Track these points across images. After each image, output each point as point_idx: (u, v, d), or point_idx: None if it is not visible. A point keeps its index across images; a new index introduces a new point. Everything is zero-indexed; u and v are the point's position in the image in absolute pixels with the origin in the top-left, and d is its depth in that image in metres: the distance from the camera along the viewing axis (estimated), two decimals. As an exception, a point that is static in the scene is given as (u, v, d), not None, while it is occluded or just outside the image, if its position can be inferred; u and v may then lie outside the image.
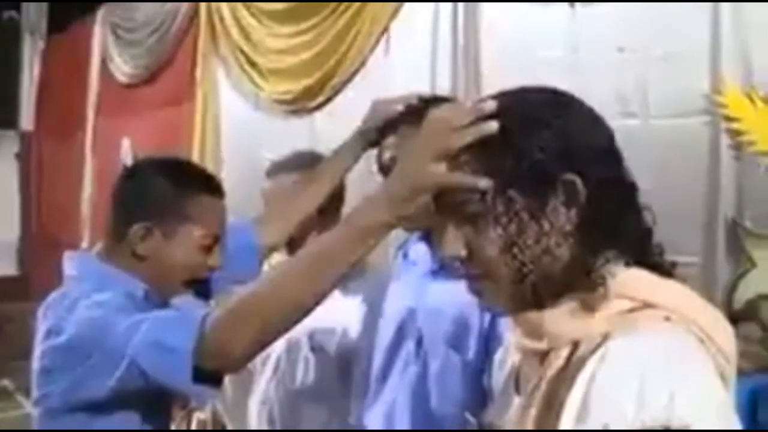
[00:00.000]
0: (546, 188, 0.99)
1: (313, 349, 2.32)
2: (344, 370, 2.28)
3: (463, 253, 1.03)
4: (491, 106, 1.02)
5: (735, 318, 2.75)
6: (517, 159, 0.99)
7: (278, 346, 2.34)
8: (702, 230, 2.88)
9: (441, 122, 1.04)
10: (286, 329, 1.39)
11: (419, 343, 1.91)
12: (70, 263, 1.72)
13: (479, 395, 1.70)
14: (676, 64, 2.93)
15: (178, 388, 1.46)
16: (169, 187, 1.71)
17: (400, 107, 1.85)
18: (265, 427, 2.37)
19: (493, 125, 1.00)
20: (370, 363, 2.06)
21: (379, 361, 2.02)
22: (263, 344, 1.41)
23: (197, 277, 1.74)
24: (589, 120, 1.04)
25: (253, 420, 2.43)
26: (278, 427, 2.35)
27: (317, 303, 1.31)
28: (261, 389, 2.41)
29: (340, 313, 2.24)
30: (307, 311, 1.33)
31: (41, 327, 1.62)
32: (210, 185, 1.77)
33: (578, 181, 0.98)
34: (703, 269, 2.85)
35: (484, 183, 0.99)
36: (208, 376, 1.41)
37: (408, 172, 1.08)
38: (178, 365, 1.38)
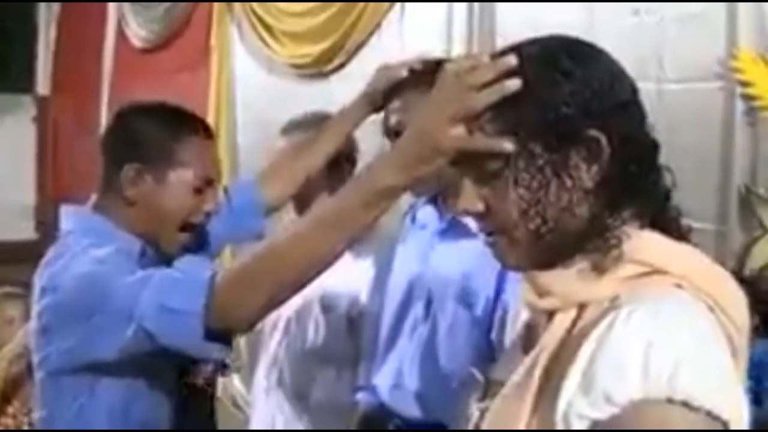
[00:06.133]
0: (569, 143, 0.95)
1: (323, 311, 2.33)
2: (354, 332, 2.30)
3: (481, 207, 1.00)
4: (512, 61, 0.97)
5: (747, 285, 2.74)
6: (541, 113, 0.95)
7: (288, 308, 2.35)
8: (715, 196, 2.86)
9: (459, 81, 0.99)
10: (296, 290, 1.37)
11: (428, 304, 1.92)
12: (66, 218, 1.70)
13: (487, 351, 1.71)
14: (691, 28, 2.89)
15: (188, 349, 1.44)
16: (158, 130, 1.68)
17: (404, 72, 1.83)
18: (274, 388, 2.39)
19: (515, 83, 0.95)
20: (379, 325, 2.08)
21: (388, 323, 2.03)
22: (273, 305, 1.40)
23: (192, 221, 1.70)
24: (612, 71, 1.00)
25: (263, 382, 2.45)
26: (288, 388, 2.37)
27: (328, 265, 1.29)
28: (271, 351, 2.42)
29: (350, 276, 2.24)
30: (317, 273, 1.31)
31: (37, 284, 1.60)
32: (199, 127, 1.74)
33: (603, 138, 0.95)
34: (716, 236, 2.84)
35: (507, 146, 0.95)
36: (216, 335, 1.39)
37: (425, 134, 1.02)
38: (188, 327, 1.36)
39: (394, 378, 1.97)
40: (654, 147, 1.02)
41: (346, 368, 2.29)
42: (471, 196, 1.01)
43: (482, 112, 0.97)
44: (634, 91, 1.02)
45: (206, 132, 1.75)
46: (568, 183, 0.96)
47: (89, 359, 1.52)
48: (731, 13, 2.79)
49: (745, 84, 2.76)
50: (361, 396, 2.12)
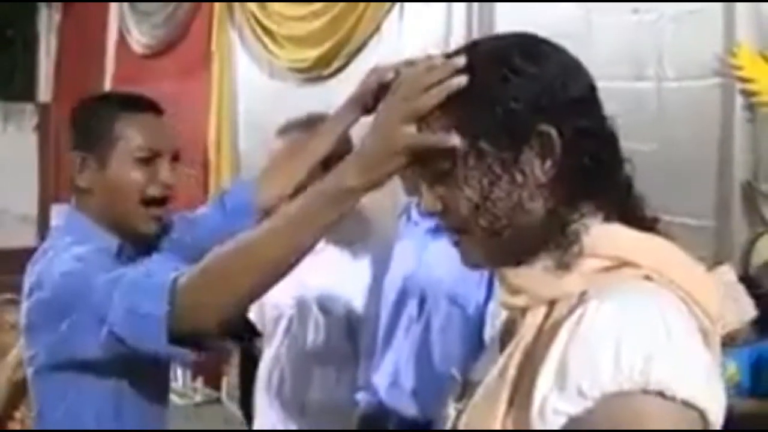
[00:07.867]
0: (520, 140, 0.95)
1: (322, 312, 2.33)
2: (352, 331, 2.30)
3: (439, 207, 1.01)
4: (460, 61, 0.98)
5: (751, 281, 2.73)
6: (489, 110, 0.95)
7: (289, 308, 2.36)
8: (715, 193, 2.86)
9: (411, 82, 1.02)
10: (260, 293, 1.37)
11: (422, 302, 1.93)
12: (56, 216, 1.72)
13: (479, 348, 1.72)
14: (690, 25, 2.90)
15: (156, 352, 1.42)
16: (96, 115, 1.69)
17: (391, 74, 1.83)
18: (275, 387, 2.40)
19: (461, 80, 0.97)
20: (377, 324, 2.09)
21: (384, 321, 2.04)
22: (236, 307, 1.39)
23: (152, 194, 1.67)
24: (565, 68, 1.00)
25: (264, 380, 2.46)
26: (288, 387, 2.38)
27: (291, 267, 1.29)
28: (272, 349, 2.43)
29: (348, 276, 2.26)
30: (280, 275, 1.31)
31: (27, 283, 1.61)
32: (140, 103, 1.73)
33: (554, 132, 0.95)
34: (716, 232, 2.84)
35: (452, 140, 0.97)
36: (187, 337, 1.38)
37: (378, 135, 1.06)
38: (153, 330, 1.36)
39: (391, 376, 1.98)
40: (611, 139, 1.01)
41: (346, 369, 2.29)
42: (429, 197, 1.02)
43: (431, 110, 0.99)
44: (592, 88, 1.02)
45: (149, 107, 1.73)
46: (519, 179, 0.96)
47: (72, 357, 1.52)
48: (729, 10, 2.80)
49: (744, 80, 2.76)
50: (361, 396, 2.13)
